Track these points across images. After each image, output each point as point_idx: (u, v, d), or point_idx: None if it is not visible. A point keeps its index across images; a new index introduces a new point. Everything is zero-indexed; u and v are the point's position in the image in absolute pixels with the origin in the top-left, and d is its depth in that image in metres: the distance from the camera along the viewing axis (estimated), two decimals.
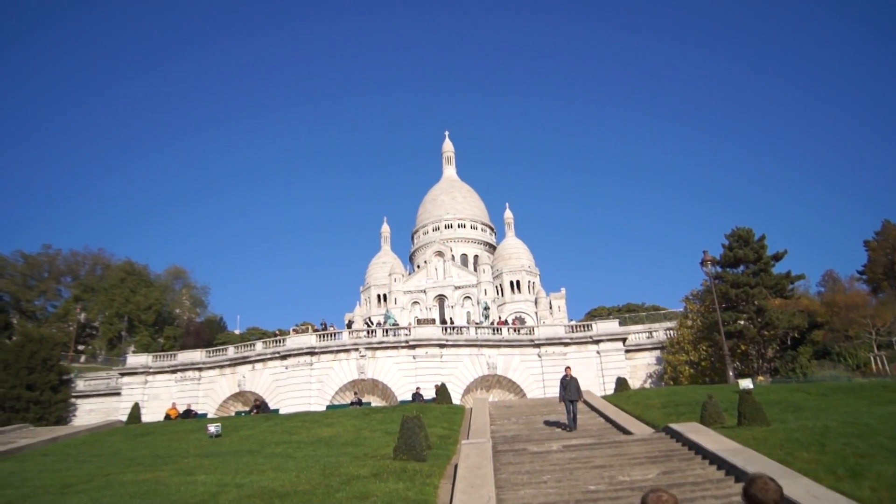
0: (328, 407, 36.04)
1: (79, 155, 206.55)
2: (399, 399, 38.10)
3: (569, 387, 19.81)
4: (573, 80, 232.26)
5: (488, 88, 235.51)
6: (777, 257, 38.63)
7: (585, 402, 23.86)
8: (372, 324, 54.48)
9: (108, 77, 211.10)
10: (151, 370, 44.61)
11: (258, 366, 42.86)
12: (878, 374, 32.11)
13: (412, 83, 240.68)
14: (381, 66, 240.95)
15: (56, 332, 56.48)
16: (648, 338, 44.49)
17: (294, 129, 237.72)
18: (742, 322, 35.36)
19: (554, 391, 37.56)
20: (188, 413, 35.63)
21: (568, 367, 21.39)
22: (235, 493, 11.85)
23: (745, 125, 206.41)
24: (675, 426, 15.72)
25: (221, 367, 44.01)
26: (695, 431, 14.76)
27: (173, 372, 44.54)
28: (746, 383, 23.39)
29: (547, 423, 21.76)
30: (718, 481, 11.52)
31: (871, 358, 34.85)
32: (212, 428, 23.82)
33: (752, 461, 11.54)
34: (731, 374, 31.02)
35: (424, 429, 15.85)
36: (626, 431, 19.00)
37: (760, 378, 31.31)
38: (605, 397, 28.28)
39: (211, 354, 45.38)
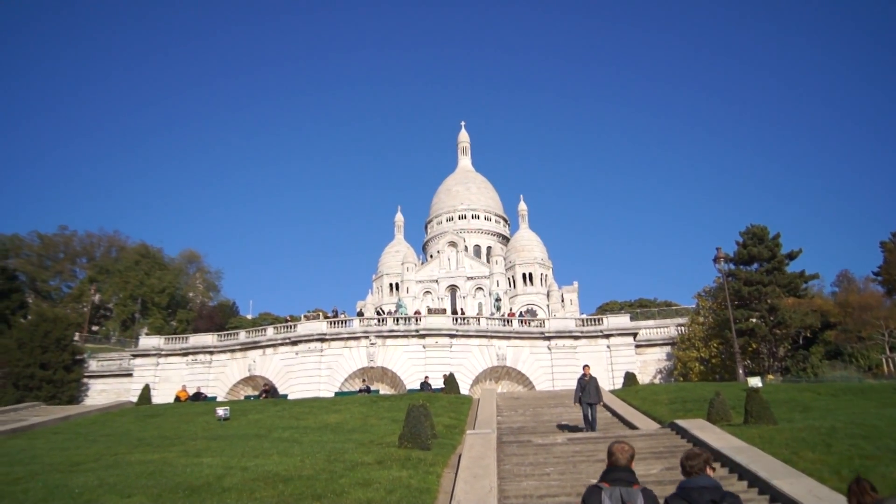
0: (336, 394, 36.25)
1: (96, 137, 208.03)
2: (407, 388, 38.18)
3: (587, 388, 18.03)
4: (591, 76, 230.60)
5: (506, 81, 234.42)
6: (791, 256, 38.26)
7: None
8: (383, 312, 54.65)
9: (127, 58, 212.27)
10: (163, 352, 45.04)
11: (269, 351, 43.13)
12: (890, 375, 31.82)
13: (430, 73, 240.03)
14: (399, 55, 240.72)
15: (70, 313, 56.99)
16: (659, 333, 44.28)
17: (311, 117, 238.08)
18: (754, 320, 35.10)
19: (563, 384, 37.61)
20: (198, 396, 35.99)
21: (586, 367, 19.15)
22: (240, 476, 11.97)
23: (763, 124, 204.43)
24: (680, 422, 15.70)
25: (232, 351, 44.34)
26: (700, 428, 14.73)
27: (185, 355, 44.94)
28: (755, 381, 23.27)
29: (556, 419, 21.63)
30: (722, 479, 11.46)
31: (883, 360, 34.53)
32: (220, 411, 24.07)
33: (756, 459, 11.50)
34: (741, 371, 30.88)
35: (430, 418, 15.92)
36: (631, 426, 19.01)
37: (770, 377, 31.11)
38: (613, 392, 28.29)
39: (222, 338, 45.73)
